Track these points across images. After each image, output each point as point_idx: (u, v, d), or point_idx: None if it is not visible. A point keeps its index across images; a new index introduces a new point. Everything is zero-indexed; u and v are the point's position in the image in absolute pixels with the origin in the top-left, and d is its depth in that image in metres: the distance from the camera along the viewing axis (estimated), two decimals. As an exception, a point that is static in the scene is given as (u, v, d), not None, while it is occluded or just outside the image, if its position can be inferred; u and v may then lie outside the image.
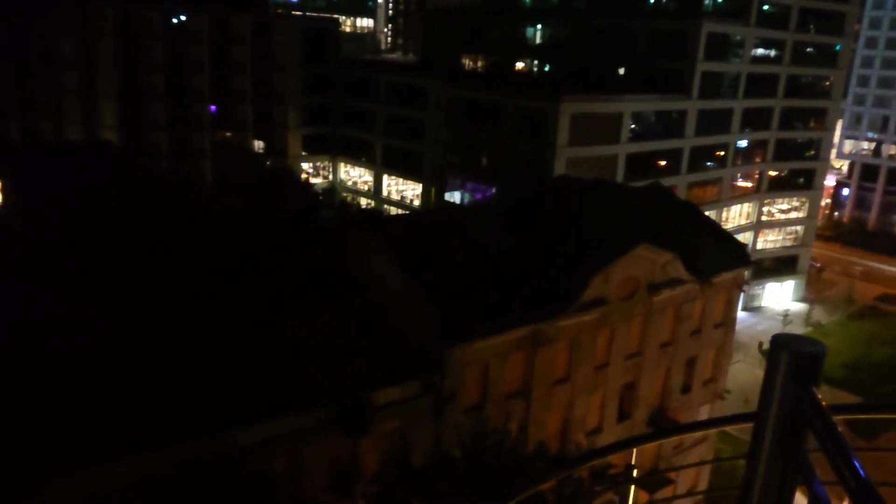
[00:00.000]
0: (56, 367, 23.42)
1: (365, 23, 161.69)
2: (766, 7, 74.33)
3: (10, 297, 27.22)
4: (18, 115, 71.28)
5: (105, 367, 23.86)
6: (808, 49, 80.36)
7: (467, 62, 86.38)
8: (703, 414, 42.42)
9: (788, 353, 2.48)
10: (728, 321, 42.36)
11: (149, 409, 22.84)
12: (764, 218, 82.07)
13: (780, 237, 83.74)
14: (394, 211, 76.20)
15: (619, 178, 62.05)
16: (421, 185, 76.15)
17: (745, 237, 75.62)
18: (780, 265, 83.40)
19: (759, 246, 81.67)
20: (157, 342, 25.40)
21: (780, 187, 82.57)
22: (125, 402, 22.77)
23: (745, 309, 72.77)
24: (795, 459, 2.50)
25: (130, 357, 24.50)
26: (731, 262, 40.79)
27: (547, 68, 79.20)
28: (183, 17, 73.15)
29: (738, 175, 78.75)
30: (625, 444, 4.10)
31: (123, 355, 24.51)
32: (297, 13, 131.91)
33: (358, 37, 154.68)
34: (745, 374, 61.64)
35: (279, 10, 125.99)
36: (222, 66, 75.00)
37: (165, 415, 22.79)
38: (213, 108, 75.42)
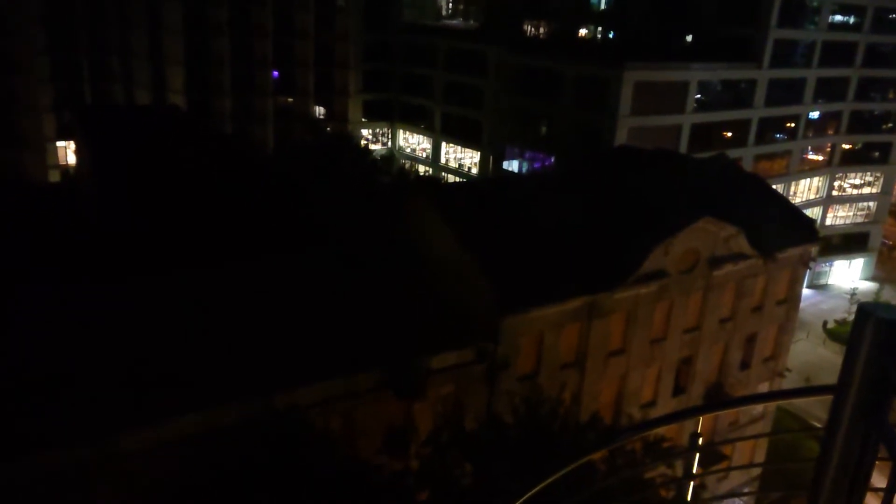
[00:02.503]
0: (118, 322, 24.40)
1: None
2: (846, -29, 70.68)
3: (81, 253, 28.38)
4: (91, 79, 73.50)
5: (164, 323, 24.74)
6: (891, 16, 76.14)
7: (529, 28, 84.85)
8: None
9: (875, 322, 2.39)
10: (792, 298, 41.17)
11: (209, 364, 23.63)
12: (834, 193, 78.99)
13: (851, 213, 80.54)
14: (451, 178, 76.13)
15: (683, 148, 60.48)
16: (479, 153, 75.78)
17: (813, 212, 73.03)
18: (849, 242, 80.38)
19: (829, 222, 78.77)
20: (217, 300, 26.17)
21: (853, 161, 79.18)
22: (186, 356, 23.61)
23: (810, 286, 70.54)
24: (879, 431, 2.43)
25: (190, 313, 25.33)
26: (797, 238, 39.51)
27: (610, 35, 77.25)
28: (247, -18, 73.75)
29: (809, 148, 75.82)
30: (690, 413, 4.05)
31: (184, 311, 25.36)
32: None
33: (419, 2, 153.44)
34: (807, 352, 60.04)
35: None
36: (285, 31, 75.58)
37: (225, 370, 23.55)
38: (275, 73, 76.27)
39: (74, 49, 71.65)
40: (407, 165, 77.57)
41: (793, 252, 39.13)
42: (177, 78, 71.88)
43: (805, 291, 51.94)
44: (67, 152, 68.52)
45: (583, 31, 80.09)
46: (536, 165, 65.07)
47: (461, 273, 29.59)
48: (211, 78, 72.56)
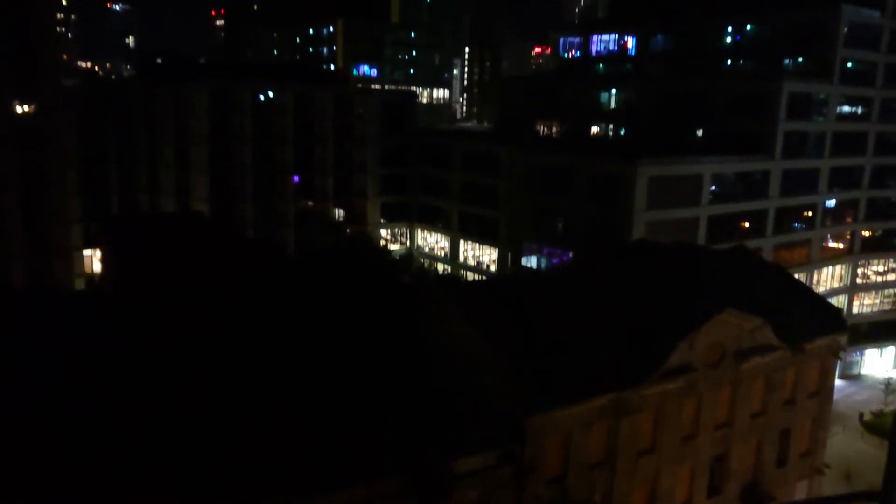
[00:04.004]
0: (141, 422, 24.16)
1: (441, 93, 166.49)
2: (850, 64, 72.62)
3: (107, 360, 28.48)
4: (119, 189, 76.07)
5: (181, 426, 24.45)
6: (898, 105, 77.66)
7: (542, 128, 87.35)
8: (801, 490, 39.73)
9: (916, 426, 2.33)
10: (824, 390, 40.00)
11: (232, 470, 23.16)
12: (859, 280, 78.15)
13: (878, 300, 79.38)
14: (470, 276, 76.47)
15: (701, 240, 60.64)
16: (497, 250, 76.38)
17: (838, 301, 72.10)
18: (879, 330, 78.83)
19: (855, 310, 77.59)
20: (234, 401, 25.92)
21: (874, 248, 78.82)
22: (201, 462, 23.19)
23: (842, 377, 68.70)
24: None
25: (208, 415, 25.04)
26: (824, 328, 38.79)
27: (622, 132, 79.18)
28: (270, 94, 77.23)
29: (829, 236, 75.70)
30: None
31: (201, 413, 25.08)
32: (377, 86, 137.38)
33: (434, 107, 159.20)
34: (845, 446, 57.77)
35: (360, 85, 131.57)
36: (305, 138, 78.39)
37: (242, 475, 23.03)
38: (296, 178, 78.54)
39: (104, 161, 74.60)
40: (426, 264, 78.25)
41: (821, 342, 38.33)
42: (201, 185, 74.23)
43: (837, 382, 50.54)
44: (94, 260, 70.07)
45: (595, 129, 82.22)
46: (555, 261, 65.33)
47: (484, 372, 29.22)
48: (234, 184, 74.86)
